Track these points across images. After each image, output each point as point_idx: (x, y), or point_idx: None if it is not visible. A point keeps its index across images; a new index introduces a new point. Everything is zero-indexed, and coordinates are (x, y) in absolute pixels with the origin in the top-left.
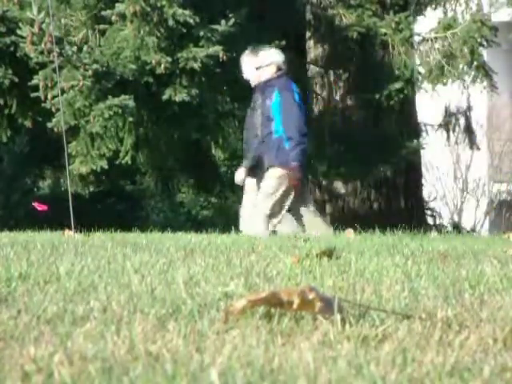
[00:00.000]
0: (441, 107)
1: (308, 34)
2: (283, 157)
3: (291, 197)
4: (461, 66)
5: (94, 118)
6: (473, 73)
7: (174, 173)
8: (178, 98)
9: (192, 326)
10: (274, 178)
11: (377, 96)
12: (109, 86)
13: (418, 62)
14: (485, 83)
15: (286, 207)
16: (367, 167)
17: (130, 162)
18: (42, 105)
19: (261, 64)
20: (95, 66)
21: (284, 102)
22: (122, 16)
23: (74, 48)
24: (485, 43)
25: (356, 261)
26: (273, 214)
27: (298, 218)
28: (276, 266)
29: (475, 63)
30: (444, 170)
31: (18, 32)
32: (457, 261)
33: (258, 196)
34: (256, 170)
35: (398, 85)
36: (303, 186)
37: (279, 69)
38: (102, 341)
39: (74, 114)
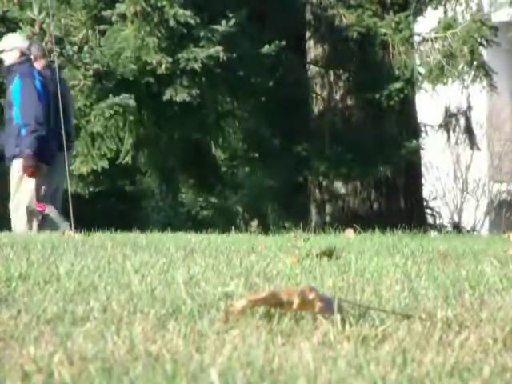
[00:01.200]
0: (441, 107)
1: (308, 34)
2: (22, 145)
3: (36, 185)
4: (461, 66)
5: (94, 118)
6: (473, 72)
7: (174, 173)
8: (178, 98)
9: (192, 326)
10: (17, 170)
11: (377, 96)
12: (109, 85)
13: (418, 62)
14: (484, 83)
15: (35, 196)
16: (367, 167)
17: (130, 162)
18: None
19: (4, 48)
20: (96, 65)
21: (22, 89)
22: (123, 16)
23: (75, 48)
24: (485, 43)
25: (356, 261)
26: (28, 206)
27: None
28: (276, 265)
29: (475, 63)
30: (444, 170)
31: (19, 32)
32: (457, 261)
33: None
34: None
35: (398, 85)
36: (54, 173)
37: (23, 54)
38: (102, 341)
39: (74, 113)
